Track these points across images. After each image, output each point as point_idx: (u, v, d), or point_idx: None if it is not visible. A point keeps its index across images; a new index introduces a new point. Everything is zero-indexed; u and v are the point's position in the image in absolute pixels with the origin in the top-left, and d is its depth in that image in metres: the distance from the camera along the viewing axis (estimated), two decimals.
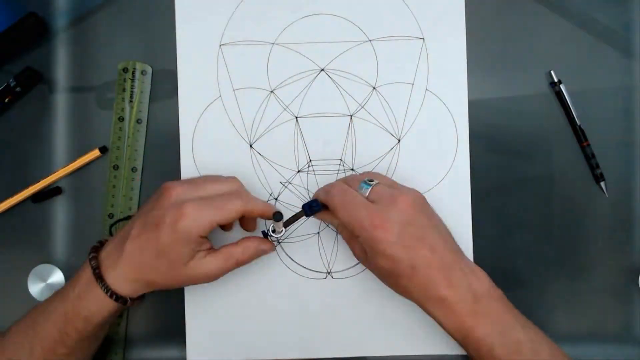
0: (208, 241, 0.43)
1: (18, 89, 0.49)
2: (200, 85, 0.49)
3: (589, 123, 0.49)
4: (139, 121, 0.50)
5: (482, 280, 0.42)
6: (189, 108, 0.49)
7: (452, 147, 0.49)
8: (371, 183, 0.43)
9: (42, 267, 0.49)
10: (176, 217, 0.40)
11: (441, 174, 0.49)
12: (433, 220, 0.44)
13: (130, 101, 0.49)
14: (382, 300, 0.49)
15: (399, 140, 0.49)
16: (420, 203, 0.43)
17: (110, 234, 0.49)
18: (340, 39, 0.49)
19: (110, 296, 0.41)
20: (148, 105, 0.50)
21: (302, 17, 0.49)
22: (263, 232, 0.46)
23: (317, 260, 0.49)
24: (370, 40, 0.49)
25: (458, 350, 0.48)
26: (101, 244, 0.44)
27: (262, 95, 0.49)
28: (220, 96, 0.49)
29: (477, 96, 0.49)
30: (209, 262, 0.42)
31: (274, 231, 0.45)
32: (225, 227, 0.47)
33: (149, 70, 0.50)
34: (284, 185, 0.49)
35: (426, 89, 0.49)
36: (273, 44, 0.49)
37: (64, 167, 0.49)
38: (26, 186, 0.49)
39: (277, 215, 0.43)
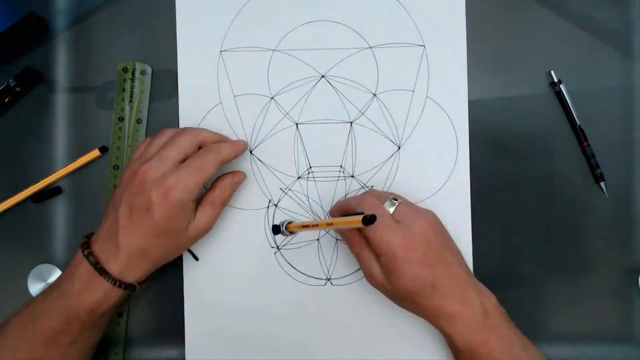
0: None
1: (18, 89, 0.49)
2: (200, 91, 0.49)
3: (589, 123, 0.49)
4: (139, 121, 0.50)
5: (489, 298, 0.43)
6: (189, 114, 0.49)
7: (452, 154, 0.49)
8: (395, 202, 0.44)
9: (42, 267, 0.49)
10: (163, 193, 0.41)
11: (441, 181, 0.49)
12: (447, 240, 0.45)
13: (130, 101, 0.49)
14: (382, 307, 0.49)
15: (399, 147, 0.49)
16: (437, 223, 0.44)
17: None
18: (341, 45, 0.49)
19: (119, 286, 0.42)
20: (148, 105, 0.50)
21: (303, 24, 0.49)
22: (274, 226, 0.47)
23: (316, 267, 0.49)
24: (370, 47, 0.49)
25: None
26: (89, 238, 0.44)
27: (263, 102, 0.49)
28: (221, 102, 0.49)
29: (477, 96, 0.49)
30: (201, 217, 0.44)
31: (286, 229, 0.46)
32: None
33: (149, 70, 0.50)
34: (283, 191, 0.49)
35: (426, 96, 0.49)
36: (274, 50, 0.49)
37: (64, 167, 0.49)
38: (26, 186, 0.49)
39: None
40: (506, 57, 0.50)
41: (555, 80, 0.49)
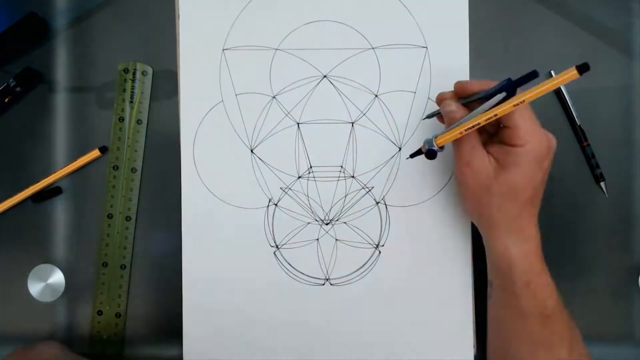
0: None
1: (18, 89, 0.49)
2: (202, 89, 0.49)
3: (589, 123, 0.49)
4: (139, 122, 0.50)
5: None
6: (190, 112, 0.49)
7: (453, 156, 0.49)
8: None
9: (42, 267, 0.49)
10: None
11: (442, 182, 0.49)
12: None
13: (131, 102, 0.49)
14: (381, 307, 0.49)
15: (400, 148, 0.49)
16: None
17: (108, 235, 0.49)
18: (343, 46, 0.49)
19: None
20: (148, 106, 0.50)
21: (306, 24, 0.49)
22: (430, 150, 0.41)
23: (315, 267, 0.49)
24: (373, 48, 0.49)
25: (458, 355, 0.48)
26: None
27: (264, 101, 0.49)
28: (222, 101, 0.49)
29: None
30: None
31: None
32: None
33: (150, 71, 0.50)
34: (284, 190, 0.49)
35: (428, 98, 0.49)
36: (276, 49, 0.49)
37: (64, 167, 0.49)
38: (26, 186, 0.49)
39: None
40: (506, 56, 0.50)
41: None
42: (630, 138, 0.50)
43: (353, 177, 0.49)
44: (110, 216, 0.49)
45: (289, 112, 0.49)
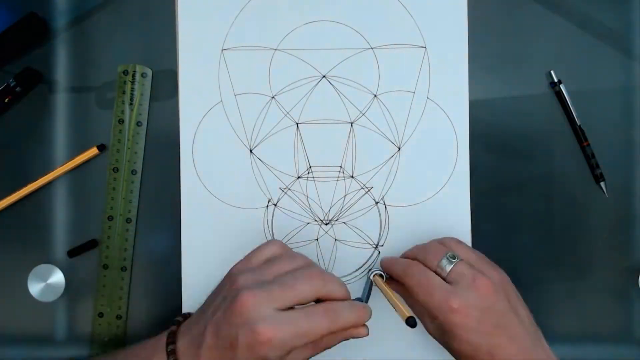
0: None
1: (18, 89, 0.49)
2: (201, 89, 0.49)
3: (589, 123, 0.49)
4: (139, 124, 0.50)
5: None
6: (189, 112, 0.49)
7: (453, 156, 0.49)
8: (453, 260, 0.41)
9: (42, 267, 0.49)
10: (252, 343, 0.36)
11: (441, 182, 0.49)
12: (513, 303, 0.41)
13: (131, 104, 0.49)
14: (380, 307, 0.48)
15: (399, 148, 0.49)
16: (501, 285, 0.41)
17: (108, 237, 0.49)
18: (342, 46, 0.49)
19: None
20: (148, 107, 0.50)
21: (305, 24, 0.49)
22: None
23: None
24: (372, 48, 0.49)
25: None
26: (178, 325, 0.41)
27: (264, 101, 0.49)
28: (222, 101, 0.49)
29: (477, 96, 0.49)
30: (292, 357, 0.38)
31: None
32: None
33: (149, 72, 0.50)
34: (283, 191, 0.49)
35: (427, 98, 0.49)
36: (275, 49, 0.49)
37: (62, 165, 0.49)
38: (26, 186, 0.49)
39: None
40: (506, 57, 0.50)
41: (555, 80, 0.49)
42: (630, 138, 0.50)
43: (352, 177, 0.49)
44: (110, 218, 0.49)
45: (288, 112, 0.49)
